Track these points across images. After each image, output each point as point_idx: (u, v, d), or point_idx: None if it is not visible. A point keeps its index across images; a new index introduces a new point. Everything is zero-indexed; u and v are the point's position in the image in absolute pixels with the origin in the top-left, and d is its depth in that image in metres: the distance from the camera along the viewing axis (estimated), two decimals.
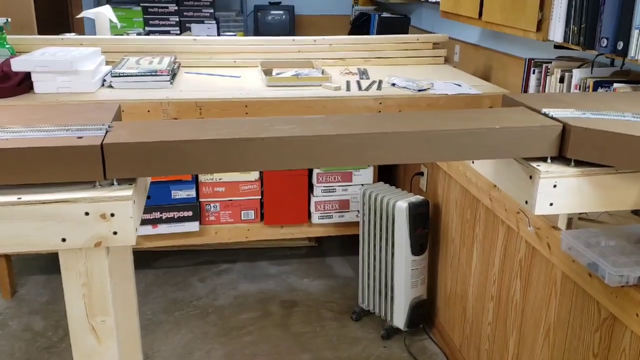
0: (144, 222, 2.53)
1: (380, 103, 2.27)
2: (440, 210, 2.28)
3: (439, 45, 3.02)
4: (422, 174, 2.45)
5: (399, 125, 1.08)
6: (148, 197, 2.50)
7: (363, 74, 2.63)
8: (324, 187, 2.62)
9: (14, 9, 3.49)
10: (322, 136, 1.02)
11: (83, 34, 4.23)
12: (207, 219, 2.62)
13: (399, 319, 2.30)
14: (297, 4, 4.65)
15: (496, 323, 1.87)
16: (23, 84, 2.17)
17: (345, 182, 2.64)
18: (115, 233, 0.97)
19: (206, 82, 2.42)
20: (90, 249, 0.98)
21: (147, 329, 2.43)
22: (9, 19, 2.50)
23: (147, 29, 4.30)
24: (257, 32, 4.52)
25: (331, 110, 2.24)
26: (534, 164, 1.10)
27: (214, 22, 4.38)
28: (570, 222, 1.47)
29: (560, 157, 1.12)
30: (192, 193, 2.55)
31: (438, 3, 2.99)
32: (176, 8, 4.37)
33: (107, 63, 2.48)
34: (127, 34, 3.23)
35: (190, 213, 2.55)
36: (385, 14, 4.05)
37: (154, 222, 2.53)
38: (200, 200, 2.58)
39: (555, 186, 1.09)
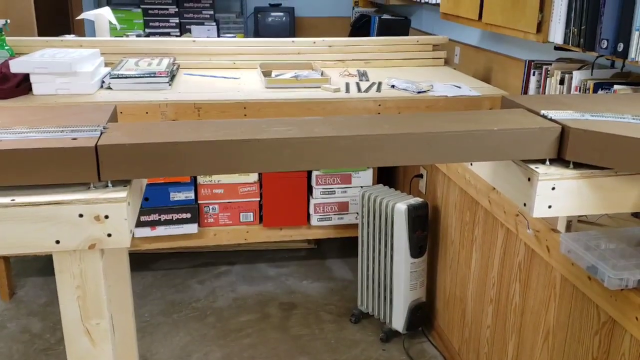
0: (142, 224, 2.52)
1: (380, 105, 2.26)
2: (440, 212, 2.27)
3: (438, 47, 3.02)
4: (421, 176, 2.45)
5: (396, 126, 1.07)
6: (146, 199, 2.51)
7: (363, 75, 2.62)
8: (323, 189, 2.61)
9: (14, 11, 3.49)
10: (319, 138, 1.01)
11: (83, 35, 4.23)
12: (205, 221, 2.61)
13: (398, 322, 2.29)
14: (297, 5, 4.65)
15: (495, 326, 1.86)
16: (22, 85, 2.17)
17: (345, 184, 2.63)
18: (109, 235, 0.96)
19: (205, 84, 2.42)
20: (85, 251, 0.98)
21: (145, 331, 2.42)
22: (9, 20, 2.50)
23: (147, 30, 4.30)
24: (257, 34, 4.51)
25: (330, 112, 2.23)
26: (533, 166, 1.09)
27: (214, 23, 4.38)
28: (570, 224, 1.46)
29: (559, 159, 1.11)
30: (191, 195, 2.55)
31: (438, 5, 2.99)
32: (176, 10, 4.37)
33: (107, 65, 2.47)
34: (127, 36, 3.23)
35: (188, 215, 2.54)
36: (385, 16, 4.05)
37: (153, 224, 2.52)
38: (199, 202, 2.57)
39: (553, 188, 1.08)
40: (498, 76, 2.88)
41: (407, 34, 3.73)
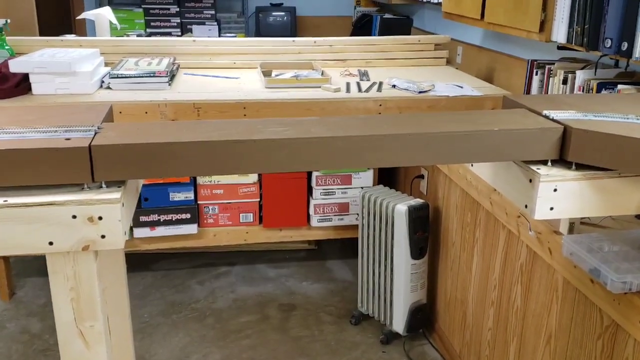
0: (141, 224, 2.51)
1: (380, 105, 2.24)
2: (441, 213, 2.25)
3: (440, 46, 3.00)
4: (422, 176, 2.43)
5: (395, 127, 1.06)
6: (146, 199, 2.49)
7: (363, 75, 2.61)
8: (323, 189, 2.60)
9: (16, 10, 3.49)
10: (315, 138, 0.99)
11: (85, 35, 4.22)
12: (205, 221, 2.59)
13: (399, 324, 2.27)
14: (298, 5, 4.63)
15: (497, 329, 1.84)
16: (21, 85, 2.16)
17: (345, 185, 2.61)
18: (103, 236, 0.95)
19: (204, 84, 2.40)
20: (78, 252, 0.96)
21: (145, 332, 2.41)
22: (9, 20, 2.49)
23: (148, 30, 4.29)
24: (259, 34, 4.50)
25: (330, 112, 2.22)
26: (534, 167, 1.07)
27: (215, 23, 4.36)
28: (572, 226, 1.44)
29: (561, 160, 1.09)
30: (191, 195, 2.53)
31: (440, 4, 2.97)
32: (177, 9, 4.36)
33: (107, 64, 2.46)
34: (128, 35, 3.22)
35: (188, 215, 2.53)
36: (387, 15, 4.03)
37: (152, 224, 2.51)
38: (199, 202, 2.56)
39: (555, 190, 1.06)
40: (501, 76, 2.86)
41: (409, 34, 3.71)
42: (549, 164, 1.09)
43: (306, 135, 1.00)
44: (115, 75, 2.24)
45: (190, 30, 4.29)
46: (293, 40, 2.85)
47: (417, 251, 2.18)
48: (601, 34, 1.79)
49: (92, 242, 0.95)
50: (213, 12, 4.41)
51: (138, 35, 3.45)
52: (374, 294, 2.36)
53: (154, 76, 2.26)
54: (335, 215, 2.64)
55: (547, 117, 1.14)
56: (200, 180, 2.54)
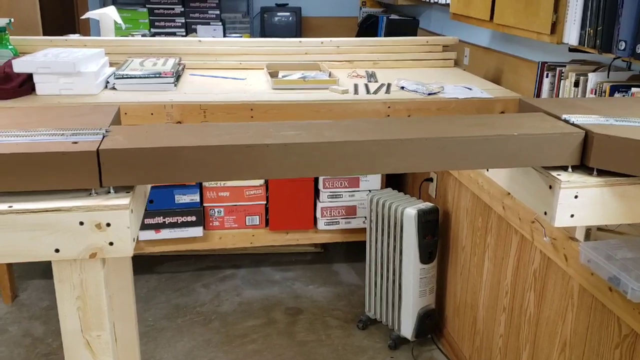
0: (146, 227, 2.48)
1: (389, 107, 2.21)
2: (450, 217, 2.21)
3: (448, 47, 2.96)
4: (431, 180, 2.39)
5: (410, 131, 1.03)
6: (151, 202, 2.47)
7: (371, 76, 2.57)
8: (331, 192, 2.57)
9: (19, 10, 3.46)
10: (330, 143, 0.96)
11: (89, 35, 4.20)
12: (211, 224, 2.57)
13: (407, 329, 2.24)
14: (304, 5, 4.60)
15: (508, 335, 1.81)
16: (25, 85, 2.13)
17: (352, 188, 2.58)
18: (111, 244, 0.92)
19: (211, 85, 2.37)
20: (85, 260, 0.93)
21: (149, 336, 2.38)
22: (12, 19, 2.46)
23: (152, 30, 4.26)
24: (264, 34, 4.47)
25: (338, 114, 2.18)
26: (554, 173, 1.04)
27: (220, 23, 4.34)
28: (589, 232, 1.41)
29: (582, 166, 1.06)
30: (196, 198, 2.51)
31: (448, 5, 2.93)
32: (182, 9, 4.34)
33: (111, 65, 2.44)
34: (132, 35, 3.19)
35: (194, 218, 2.50)
36: (393, 16, 4.00)
37: (157, 227, 2.48)
38: (204, 205, 2.53)
39: (576, 197, 1.03)
40: (509, 78, 2.82)
41: (415, 35, 3.68)
42: (570, 169, 1.06)
43: (320, 139, 0.97)
44: (121, 76, 2.21)
45: (195, 31, 4.26)
46: (300, 41, 2.82)
47: (426, 255, 2.14)
48: (615, 36, 1.75)
49: (99, 249, 0.92)
50: (218, 12, 4.38)
51: (143, 35, 3.42)
52: (382, 298, 2.33)
53: (159, 77, 2.23)
54: (342, 218, 2.61)
55: (567, 121, 1.10)
56: (206, 182, 2.51)
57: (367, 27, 4.20)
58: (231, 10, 4.60)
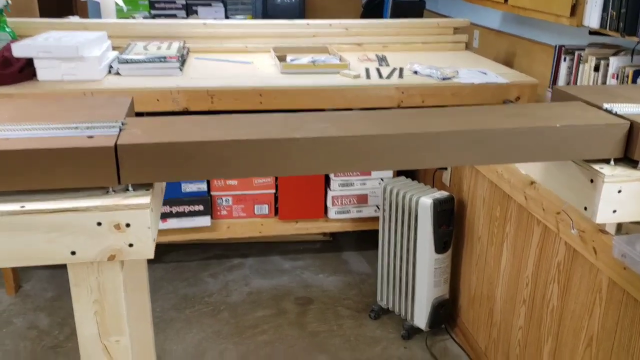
0: None
1: (403, 92, 2.14)
2: (466, 206, 2.16)
3: (459, 30, 2.88)
4: (445, 168, 2.33)
5: (445, 123, 0.96)
6: None
7: (382, 60, 2.50)
8: (342, 181, 2.50)
9: None
10: (363, 137, 0.90)
11: (87, 17, 4.08)
12: (218, 213, 2.51)
13: (421, 319, 2.20)
14: None
15: (528, 328, 1.77)
16: (25, 70, 2.05)
17: (364, 176, 2.52)
18: (130, 245, 0.86)
19: (217, 69, 2.29)
20: (103, 262, 0.88)
21: (158, 327, 2.33)
22: (10, 1, 2.36)
23: (152, 12, 4.15)
24: (266, 16, 4.35)
25: (351, 100, 2.11)
26: (597, 167, 0.98)
27: (221, 5, 4.22)
28: (620, 225, 1.35)
29: (625, 159, 1.00)
30: (203, 186, 2.44)
31: None
32: None
33: (113, 48, 2.35)
34: (134, 17, 3.09)
35: (201, 207, 2.44)
36: None
37: (164, 216, 2.42)
38: (212, 193, 2.47)
39: (620, 192, 0.97)
40: (522, 62, 2.75)
41: (421, 17, 3.58)
42: (612, 162, 1.00)
43: (352, 132, 0.91)
44: (125, 60, 2.13)
45: (196, 12, 4.15)
46: (307, 23, 2.73)
47: (441, 245, 2.10)
48: None
49: (118, 251, 0.86)
50: None
51: (144, 17, 3.32)
52: (395, 288, 2.29)
53: (165, 61, 2.15)
54: (353, 207, 2.55)
55: (609, 111, 1.04)
56: None
57: (372, 9, 4.09)
58: None
